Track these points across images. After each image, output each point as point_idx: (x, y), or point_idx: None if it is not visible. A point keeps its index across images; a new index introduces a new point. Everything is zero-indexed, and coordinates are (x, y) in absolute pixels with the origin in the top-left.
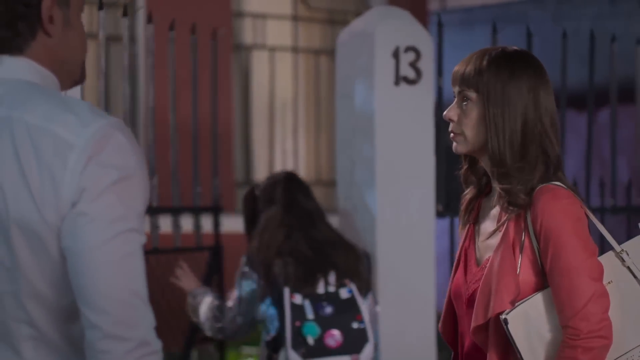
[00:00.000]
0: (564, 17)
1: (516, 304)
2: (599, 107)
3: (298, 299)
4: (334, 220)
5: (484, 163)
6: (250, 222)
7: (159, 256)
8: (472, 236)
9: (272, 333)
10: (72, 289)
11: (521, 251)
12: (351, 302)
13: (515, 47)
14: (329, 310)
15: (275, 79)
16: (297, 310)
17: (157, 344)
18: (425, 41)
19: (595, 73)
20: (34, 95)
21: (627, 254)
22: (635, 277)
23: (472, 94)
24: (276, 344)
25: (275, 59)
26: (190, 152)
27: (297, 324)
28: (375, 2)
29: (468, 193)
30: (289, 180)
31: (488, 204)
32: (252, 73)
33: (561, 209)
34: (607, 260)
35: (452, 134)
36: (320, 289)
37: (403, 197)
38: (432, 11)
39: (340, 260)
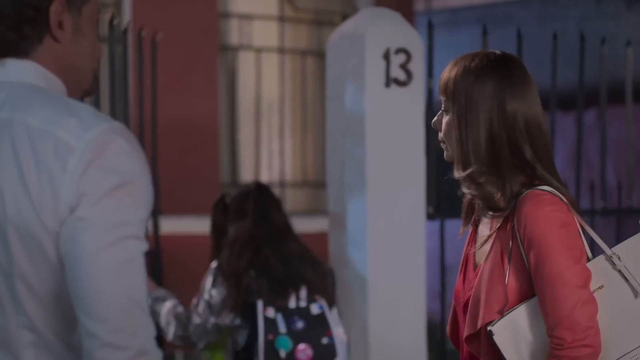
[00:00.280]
0: (550, 18)
1: (504, 314)
2: (585, 109)
3: (271, 312)
4: (323, 222)
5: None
6: (219, 230)
7: None
8: (473, 240)
9: (242, 343)
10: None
11: (509, 259)
12: (321, 318)
13: (496, 52)
14: (300, 325)
15: (261, 79)
16: (270, 324)
17: (156, 354)
18: (415, 43)
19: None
20: (37, 98)
21: (618, 258)
22: (626, 280)
23: (448, 102)
24: (247, 356)
25: (262, 59)
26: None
27: (270, 337)
28: (361, 4)
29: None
30: (261, 192)
31: None
32: (238, 74)
33: (544, 216)
34: (598, 264)
35: (441, 142)
36: (292, 303)
37: (393, 199)
38: (418, 12)
39: (310, 275)
